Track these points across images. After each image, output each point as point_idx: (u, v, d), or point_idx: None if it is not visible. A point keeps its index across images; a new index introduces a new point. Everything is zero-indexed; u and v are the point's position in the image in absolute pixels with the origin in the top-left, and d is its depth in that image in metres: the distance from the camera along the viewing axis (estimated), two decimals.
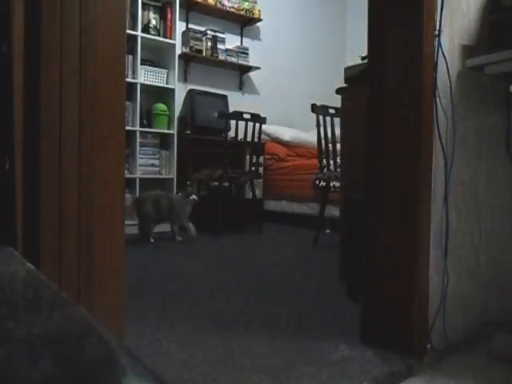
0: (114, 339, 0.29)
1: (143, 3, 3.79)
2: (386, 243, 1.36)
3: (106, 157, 0.96)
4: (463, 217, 1.45)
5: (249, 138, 3.66)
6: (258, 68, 4.72)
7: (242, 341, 1.39)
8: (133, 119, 3.68)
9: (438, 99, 1.31)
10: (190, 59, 4.35)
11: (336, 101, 2.40)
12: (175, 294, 1.94)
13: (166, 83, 3.93)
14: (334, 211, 3.28)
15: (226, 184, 3.87)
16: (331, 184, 3.12)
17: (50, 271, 0.86)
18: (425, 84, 1.27)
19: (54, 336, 0.29)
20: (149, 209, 3.25)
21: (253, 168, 3.79)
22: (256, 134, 3.68)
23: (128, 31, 3.37)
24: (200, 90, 4.24)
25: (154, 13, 3.94)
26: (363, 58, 1.97)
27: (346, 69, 2.14)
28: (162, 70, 3.93)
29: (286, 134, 4.62)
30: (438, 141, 1.32)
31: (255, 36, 4.93)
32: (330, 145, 3.12)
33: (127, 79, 3.45)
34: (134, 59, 3.71)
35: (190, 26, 4.38)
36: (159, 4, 3.97)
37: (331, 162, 3.12)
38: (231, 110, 4.10)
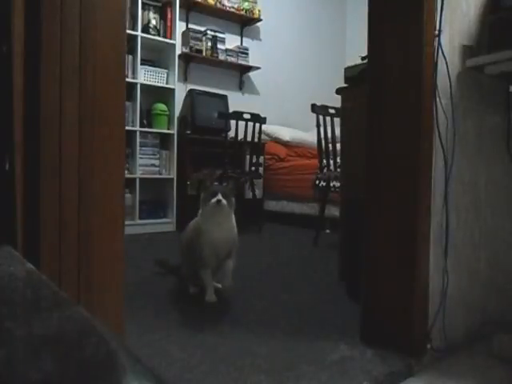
0: (114, 339, 0.29)
1: (143, 3, 3.79)
2: (385, 243, 1.36)
3: (106, 157, 0.96)
4: (463, 217, 1.45)
5: (249, 138, 3.66)
6: (258, 68, 4.72)
7: (242, 341, 1.39)
8: (133, 119, 3.68)
9: (438, 99, 1.31)
10: (190, 59, 4.34)
11: (336, 101, 2.40)
12: (175, 294, 1.94)
13: (166, 83, 3.93)
14: (334, 211, 3.28)
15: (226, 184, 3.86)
16: (331, 184, 3.12)
17: (50, 271, 0.86)
18: (425, 84, 1.27)
19: (53, 336, 0.29)
20: None
21: (253, 168, 3.79)
22: (256, 134, 3.68)
23: (128, 31, 3.37)
24: (200, 90, 4.24)
25: (154, 13, 3.94)
26: (363, 58, 1.97)
27: (346, 69, 2.14)
28: (162, 69, 3.93)
29: (286, 134, 4.62)
30: (438, 141, 1.32)
31: (255, 36, 4.93)
32: (330, 145, 3.12)
33: (127, 79, 3.45)
34: (134, 59, 3.71)
35: (190, 26, 4.38)
36: (159, 4, 3.97)
37: (331, 161, 3.12)
38: (231, 110, 4.10)
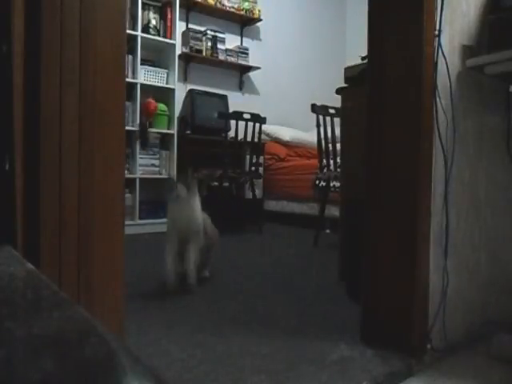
0: (114, 339, 0.29)
1: (143, 3, 3.79)
2: (385, 243, 1.36)
3: (106, 157, 0.96)
4: (463, 217, 1.45)
5: (249, 138, 3.66)
6: (258, 68, 4.72)
7: (242, 341, 1.39)
8: (133, 119, 3.68)
9: (438, 99, 1.31)
10: (190, 59, 4.34)
11: (336, 101, 2.40)
12: (174, 293, 1.94)
13: (166, 83, 3.93)
14: (334, 211, 3.28)
15: (226, 184, 3.86)
16: (331, 184, 3.12)
17: (50, 271, 0.86)
18: (425, 84, 1.27)
19: (54, 336, 0.29)
20: None
21: (253, 168, 3.79)
22: (256, 134, 3.68)
23: (128, 31, 3.37)
24: (200, 90, 4.24)
25: (154, 13, 3.94)
26: (363, 58, 1.97)
27: (346, 69, 2.14)
28: (162, 69, 3.93)
29: (286, 134, 4.62)
30: (438, 141, 1.32)
31: (255, 36, 4.93)
32: (330, 145, 3.12)
33: (127, 79, 3.45)
34: (134, 59, 3.71)
35: (190, 26, 4.38)
36: (159, 4, 3.97)
37: (331, 161, 3.12)
38: (231, 110, 4.10)
